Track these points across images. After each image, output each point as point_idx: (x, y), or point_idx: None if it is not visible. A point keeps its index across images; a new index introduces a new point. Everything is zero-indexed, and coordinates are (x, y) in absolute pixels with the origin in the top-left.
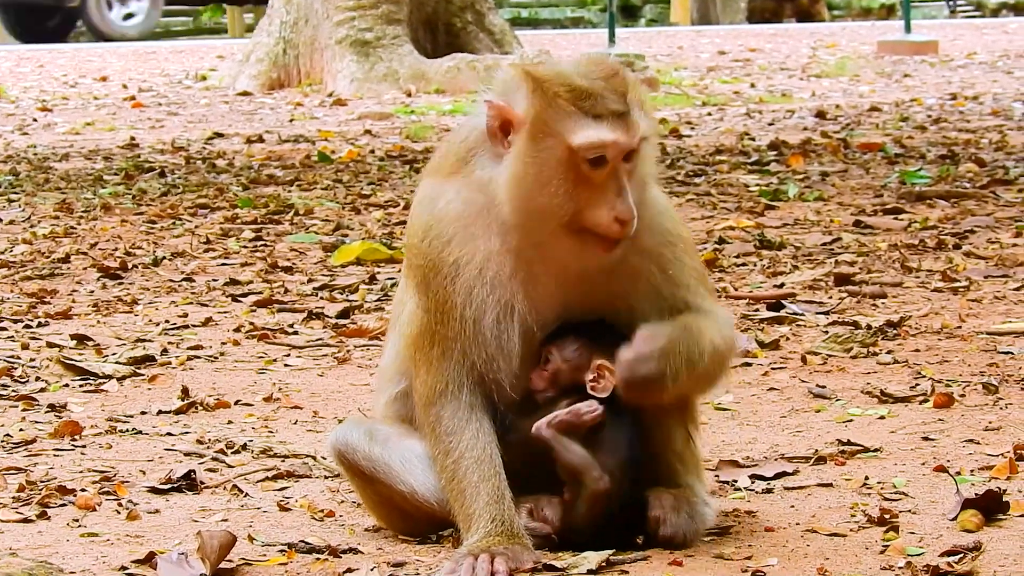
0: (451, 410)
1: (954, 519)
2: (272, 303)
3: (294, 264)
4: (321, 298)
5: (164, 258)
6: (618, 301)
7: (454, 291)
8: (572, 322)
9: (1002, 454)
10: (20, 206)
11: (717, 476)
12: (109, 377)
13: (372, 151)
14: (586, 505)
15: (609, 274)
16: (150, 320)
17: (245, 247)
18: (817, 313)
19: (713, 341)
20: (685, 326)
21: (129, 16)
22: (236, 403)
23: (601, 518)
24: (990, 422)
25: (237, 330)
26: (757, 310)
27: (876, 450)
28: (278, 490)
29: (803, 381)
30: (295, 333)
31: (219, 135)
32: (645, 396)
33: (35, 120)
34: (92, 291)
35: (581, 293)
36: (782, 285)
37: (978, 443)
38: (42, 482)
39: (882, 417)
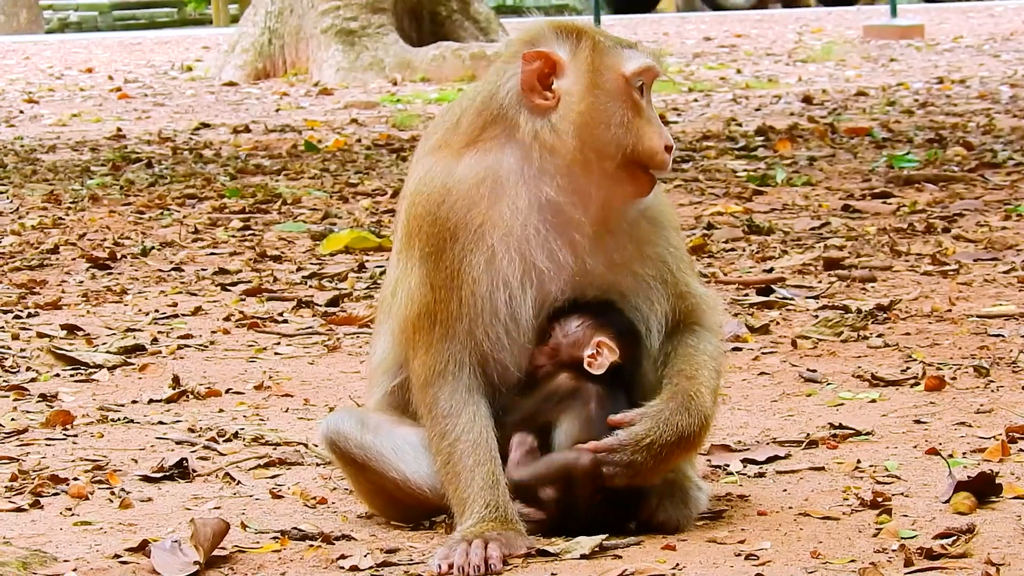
0: (449, 391)
1: (947, 502)
2: (261, 292)
3: (283, 253)
4: (310, 286)
5: (153, 248)
6: (628, 270)
7: (471, 260)
8: (578, 301)
9: (994, 436)
10: (8, 198)
11: (709, 461)
12: (100, 367)
13: (359, 140)
14: (581, 485)
15: (629, 234)
16: (140, 310)
17: (233, 236)
18: (807, 297)
19: (709, 394)
20: (682, 398)
21: None
22: (227, 391)
23: (597, 494)
24: (982, 405)
25: (227, 319)
26: (747, 295)
27: (868, 433)
28: (270, 478)
29: (794, 365)
30: (285, 322)
31: (206, 125)
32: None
33: (21, 112)
34: (81, 281)
35: (603, 254)
36: (771, 270)
37: (970, 426)
38: (34, 471)
39: (873, 400)
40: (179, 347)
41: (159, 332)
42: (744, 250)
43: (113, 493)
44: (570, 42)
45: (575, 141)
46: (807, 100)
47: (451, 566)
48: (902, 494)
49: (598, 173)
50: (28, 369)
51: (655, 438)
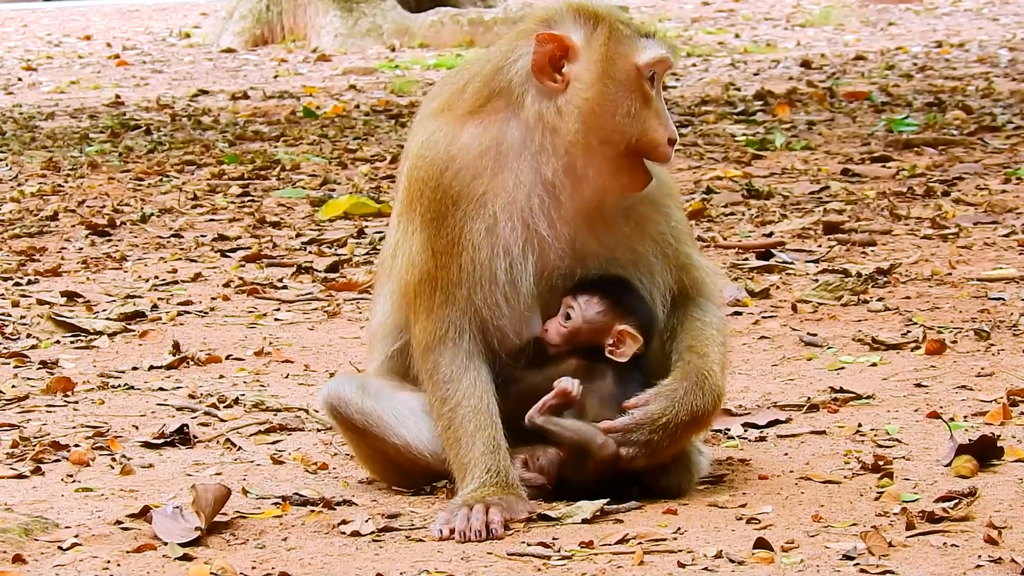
0: (449, 357)
1: (948, 465)
2: (261, 258)
3: (282, 219)
4: (310, 252)
5: (152, 215)
6: (626, 247)
7: (472, 228)
8: (593, 278)
9: (995, 400)
10: (7, 165)
11: None
12: (100, 333)
13: (357, 106)
14: (593, 471)
15: (625, 217)
16: (139, 276)
17: (233, 203)
18: (807, 261)
19: (720, 371)
20: (695, 376)
21: None
22: (227, 358)
23: (607, 476)
24: (982, 368)
25: (227, 285)
26: (746, 259)
27: (869, 397)
28: (271, 443)
29: (794, 329)
30: (284, 288)
31: (204, 92)
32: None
33: (20, 79)
34: (81, 248)
35: (596, 237)
36: (771, 234)
37: (971, 389)
38: (35, 438)
39: (874, 364)
40: (179, 313)
41: (159, 298)
42: (743, 214)
43: (114, 459)
44: (587, 27)
45: (579, 126)
46: (806, 64)
47: (452, 531)
48: (903, 458)
49: (599, 160)
50: (28, 336)
51: (670, 418)
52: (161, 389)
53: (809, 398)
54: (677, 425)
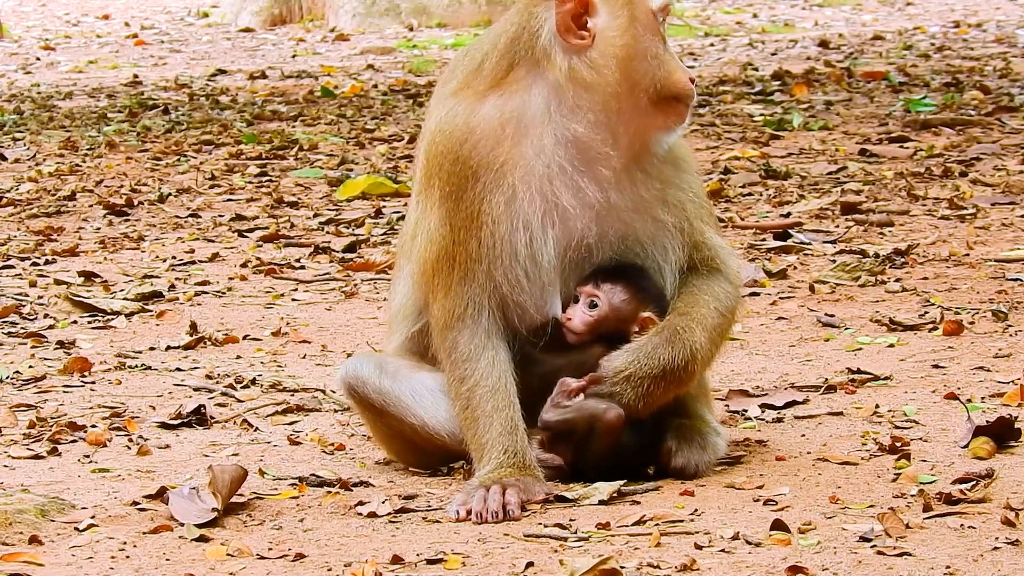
0: (468, 335)
1: (966, 447)
2: (278, 238)
3: (300, 199)
4: (327, 232)
5: (170, 194)
6: (649, 214)
7: (491, 200)
8: (611, 266)
9: (1013, 381)
10: (25, 144)
11: (727, 406)
12: (117, 313)
13: (375, 86)
14: (601, 438)
15: (651, 178)
16: (157, 256)
17: (250, 183)
18: (824, 242)
19: (700, 330)
20: (668, 332)
21: None
22: (245, 338)
23: (616, 447)
24: (1000, 349)
25: (244, 265)
26: (764, 239)
27: (886, 378)
28: (288, 424)
29: (811, 310)
30: (302, 268)
31: (222, 72)
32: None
33: (38, 59)
34: (99, 228)
35: (624, 198)
36: (789, 214)
37: (988, 370)
38: (52, 419)
39: (891, 345)
40: (196, 294)
41: (176, 279)
42: (761, 195)
43: (131, 440)
44: None
45: (616, 75)
46: (823, 44)
47: (469, 512)
48: (921, 439)
49: (631, 107)
50: (46, 316)
51: (634, 371)
52: (178, 369)
53: (826, 379)
54: (642, 379)
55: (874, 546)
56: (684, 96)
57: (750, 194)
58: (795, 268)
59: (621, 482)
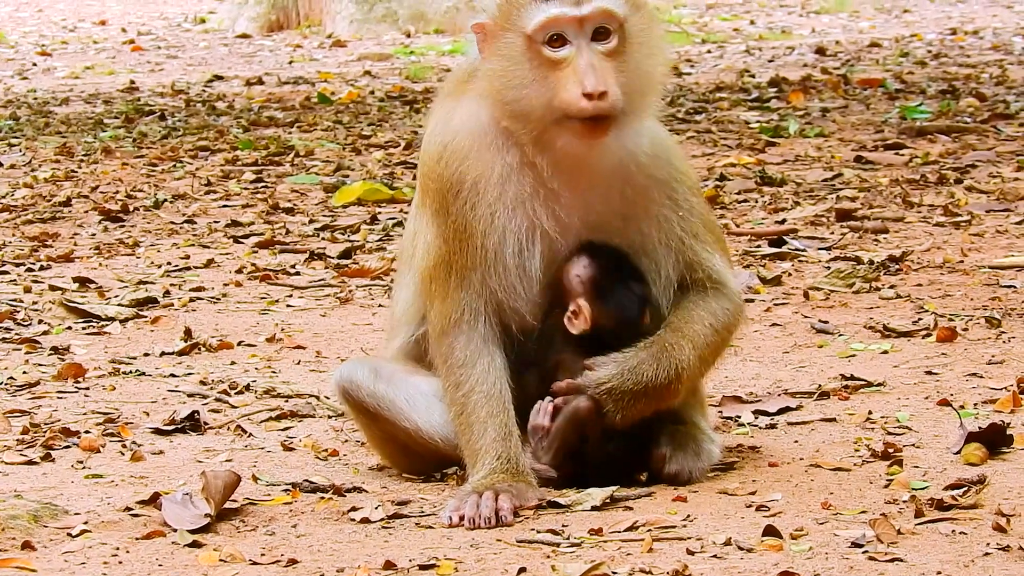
0: (464, 341)
1: (958, 453)
2: (274, 244)
3: (295, 205)
4: (323, 239)
5: (165, 200)
6: (631, 226)
7: (474, 216)
8: (598, 244)
9: (1005, 387)
10: (21, 150)
11: (721, 412)
12: (112, 319)
13: (372, 92)
14: (588, 428)
15: (620, 193)
16: (152, 262)
17: (246, 189)
18: (819, 249)
19: (690, 348)
20: (656, 348)
21: None
22: (239, 344)
23: (608, 443)
24: (993, 356)
25: (239, 271)
26: (759, 246)
27: (879, 385)
28: (282, 430)
29: (805, 316)
30: (297, 274)
31: (219, 78)
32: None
33: (35, 64)
34: (94, 234)
35: (597, 214)
36: (784, 221)
37: (981, 377)
38: (46, 424)
39: (885, 352)
40: (191, 299)
41: (171, 284)
42: (757, 201)
43: (124, 446)
44: (496, 4)
45: (497, 102)
46: (820, 51)
47: (462, 518)
48: (913, 445)
49: (536, 131)
50: (40, 322)
51: (616, 384)
52: (172, 375)
53: (820, 385)
54: (624, 393)
55: (866, 552)
56: (573, 114)
57: (745, 201)
58: (790, 275)
59: (614, 488)
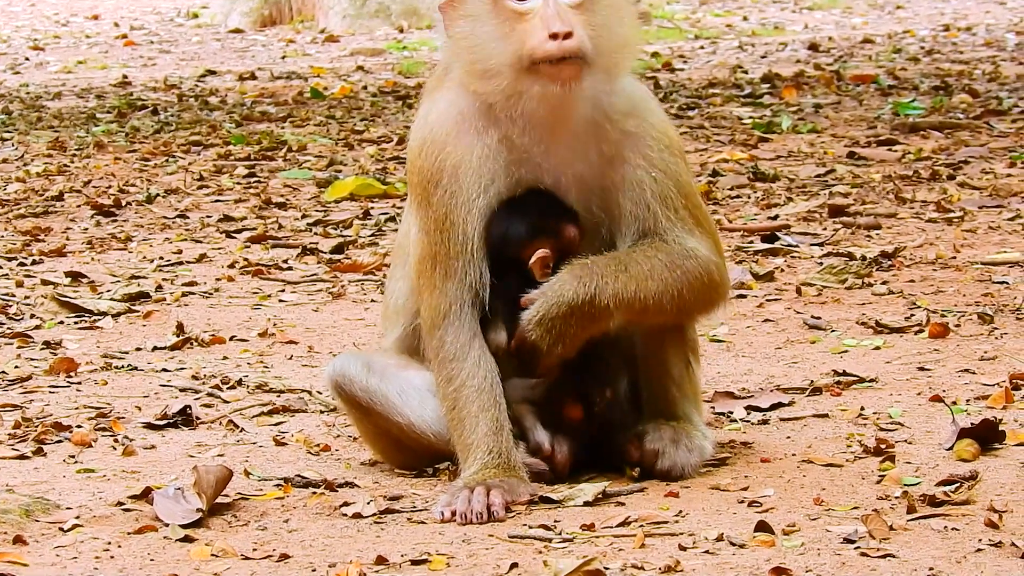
0: (454, 333)
1: (950, 449)
2: (266, 239)
3: (288, 200)
4: (315, 233)
5: (158, 195)
6: (609, 197)
7: (455, 203)
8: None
9: (998, 383)
10: (13, 145)
11: (713, 408)
12: (104, 314)
13: (365, 87)
14: (540, 368)
15: (598, 151)
16: (144, 257)
17: (239, 183)
18: (811, 245)
19: (614, 267)
20: (579, 268)
21: None
22: (231, 339)
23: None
24: (985, 352)
25: (231, 266)
26: (751, 242)
27: (872, 381)
28: (274, 425)
29: (798, 312)
30: (289, 269)
31: (211, 72)
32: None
33: (27, 59)
34: (86, 228)
35: (576, 178)
36: (776, 217)
37: (974, 373)
38: (38, 419)
39: (877, 348)
40: (183, 294)
41: (163, 279)
42: (749, 197)
43: (116, 440)
44: None
45: (468, 73)
46: (813, 47)
47: (454, 513)
48: (905, 441)
49: (506, 90)
50: (32, 316)
51: (544, 312)
52: (164, 370)
53: (812, 381)
54: (552, 319)
55: (858, 547)
56: (539, 57)
57: (738, 196)
58: (782, 270)
59: (606, 483)
